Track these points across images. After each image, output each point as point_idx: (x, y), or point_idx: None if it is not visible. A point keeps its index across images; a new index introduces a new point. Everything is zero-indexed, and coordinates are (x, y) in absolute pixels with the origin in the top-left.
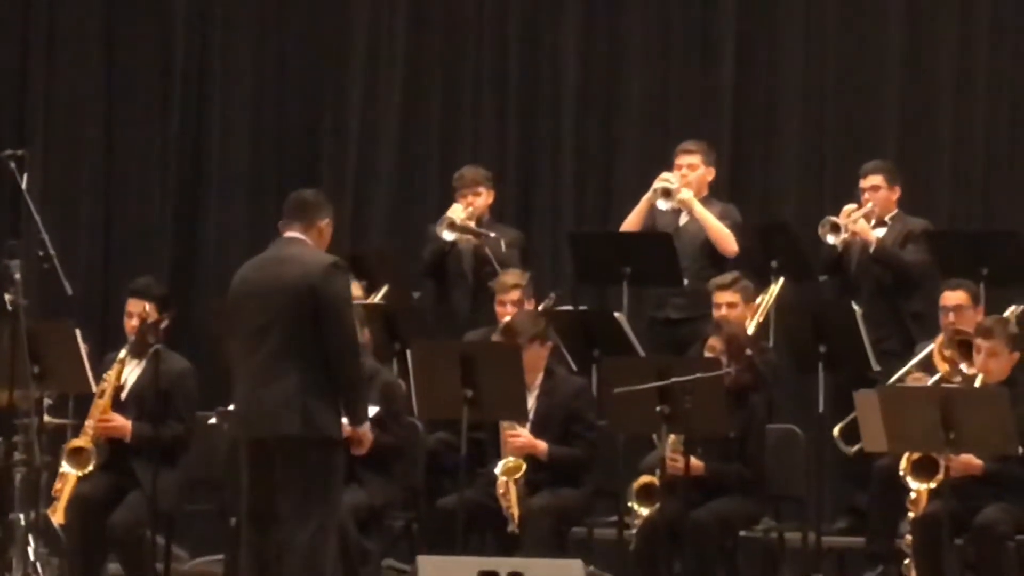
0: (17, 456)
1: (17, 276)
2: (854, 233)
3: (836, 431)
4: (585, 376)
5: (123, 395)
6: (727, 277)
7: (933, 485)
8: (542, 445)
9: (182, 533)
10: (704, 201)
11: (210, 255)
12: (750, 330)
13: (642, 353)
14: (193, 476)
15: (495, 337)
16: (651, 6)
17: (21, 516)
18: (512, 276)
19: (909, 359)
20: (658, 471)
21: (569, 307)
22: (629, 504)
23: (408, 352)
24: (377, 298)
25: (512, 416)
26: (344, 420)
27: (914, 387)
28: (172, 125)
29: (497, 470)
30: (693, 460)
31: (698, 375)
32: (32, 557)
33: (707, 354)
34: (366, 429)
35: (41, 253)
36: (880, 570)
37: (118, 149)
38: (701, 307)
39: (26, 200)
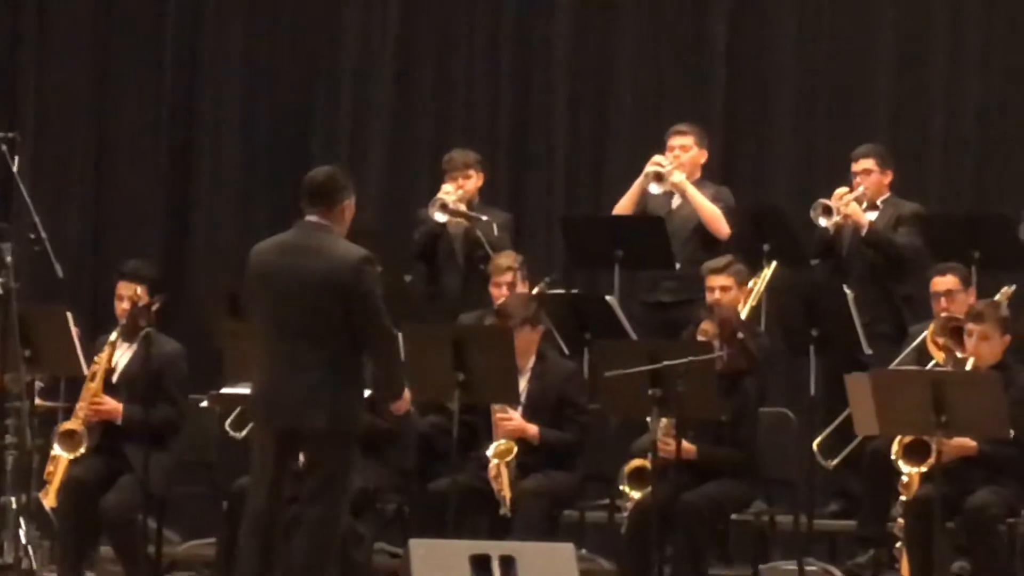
0: (8, 439)
1: (8, 259)
2: (846, 216)
3: (815, 445)
4: (577, 359)
5: (114, 378)
6: (720, 261)
7: (924, 469)
8: (533, 429)
9: (174, 516)
10: (697, 184)
11: (201, 238)
12: (743, 314)
13: (634, 337)
14: (185, 459)
15: (489, 320)
16: None
17: (12, 499)
18: (507, 258)
19: (901, 342)
20: (650, 455)
21: (561, 290)
22: (620, 487)
23: (400, 335)
24: None
25: (504, 399)
26: None
27: (905, 370)
28: (163, 108)
29: (489, 453)
30: (685, 443)
31: (690, 359)
32: (24, 540)
33: (699, 338)
34: (405, 397)
35: (32, 236)
36: (871, 553)
37: (109, 132)
38: (693, 290)
39: (17, 183)
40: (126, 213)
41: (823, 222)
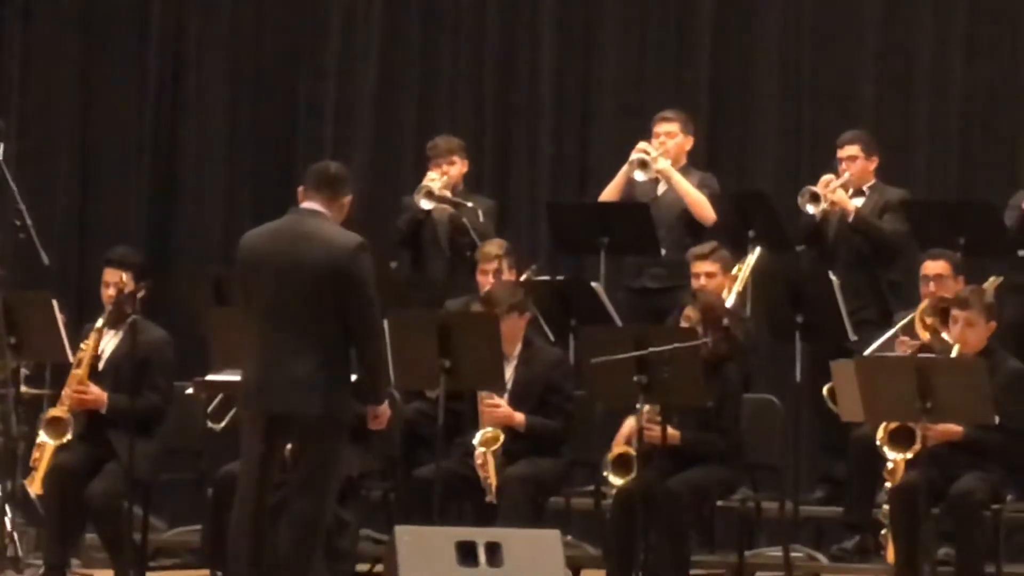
0: None
1: None
2: (833, 203)
3: (825, 390)
4: (562, 346)
5: (100, 365)
6: (706, 247)
7: (910, 455)
8: (519, 416)
9: (159, 503)
10: (683, 170)
11: (186, 226)
12: (729, 300)
13: (619, 323)
14: (170, 446)
15: (475, 307)
16: None
17: None
18: (494, 246)
19: (886, 328)
20: (634, 442)
21: (546, 277)
22: (605, 474)
23: (386, 321)
24: None
25: (490, 386)
26: None
27: (890, 357)
28: (148, 96)
29: (475, 441)
30: (669, 429)
31: (675, 345)
32: (9, 527)
33: (683, 324)
34: (385, 406)
35: (18, 223)
36: (857, 540)
37: (94, 119)
38: (678, 277)
39: (2, 170)
40: (111, 200)
41: (810, 209)
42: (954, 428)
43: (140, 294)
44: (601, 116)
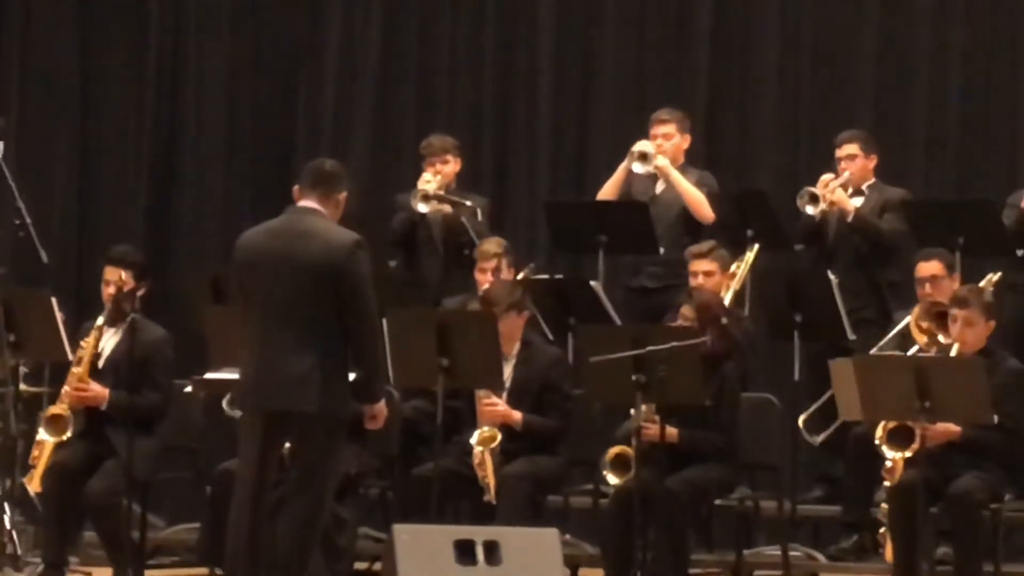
0: None
1: None
2: (832, 203)
3: (800, 421)
4: (561, 344)
5: (100, 363)
6: (704, 246)
7: (908, 454)
8: (516, 415)
9: (158, 501)
10: (680, 169)
11: (185, 224)
12: (727, 299)
13: (618, 321)
14: (169, 444)
15: (473, 305)
16: None
17: None
18: (493, 244)
19: (885, 328)
20: (633, 440)
21: (545, 276)
22: (604, 473)
23: (384, 320)
24: None
25: (488, 385)
26: None
27: (889, 356)
28: (147, 94)
29: (473, 441)
30: (667, 428)
31: (673, 344)
32: (8, 525)
33: (680, 322)
34: (381, 405)
35: (17, 221)
36: (855, 539)
37: (93, 117)
38: (676, 276)
39: (2, 168)
40: (111, 198)
41: (810, 210)
42: (953, 428)
43: (140, 293)
44: (600, 114)
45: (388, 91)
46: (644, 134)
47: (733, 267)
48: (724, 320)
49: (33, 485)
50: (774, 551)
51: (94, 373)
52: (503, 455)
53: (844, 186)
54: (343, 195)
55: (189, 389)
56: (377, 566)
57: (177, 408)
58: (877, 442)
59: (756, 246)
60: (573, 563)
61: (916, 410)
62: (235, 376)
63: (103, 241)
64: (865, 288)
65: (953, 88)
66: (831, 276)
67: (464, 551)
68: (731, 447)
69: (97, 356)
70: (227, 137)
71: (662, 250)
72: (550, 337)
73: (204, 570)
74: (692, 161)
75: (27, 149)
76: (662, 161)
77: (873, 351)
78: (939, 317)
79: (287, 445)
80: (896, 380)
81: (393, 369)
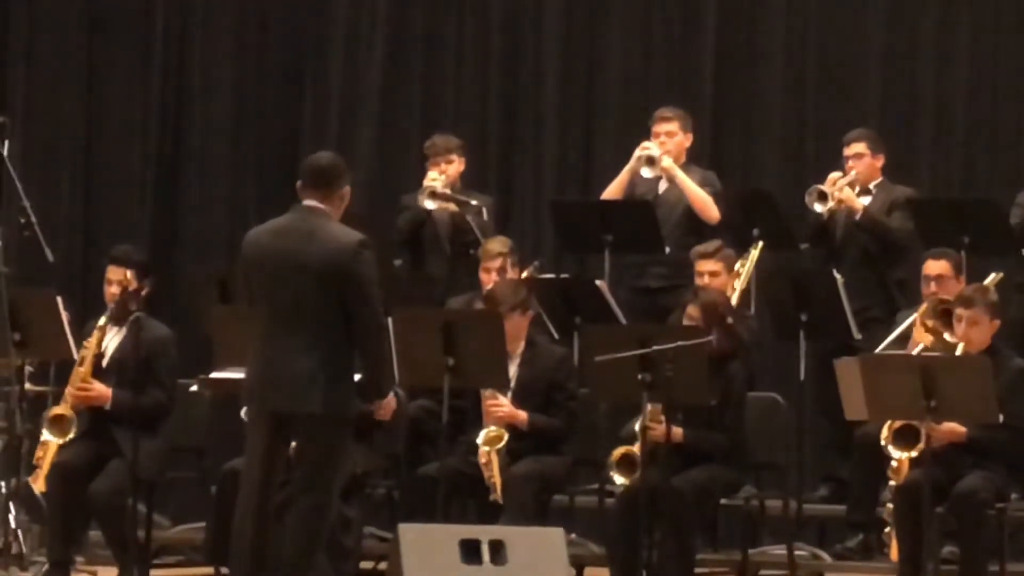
0: None
1: None
2: (840, 201)
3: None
4: (566, 344)
5: (104, 363)
6: (710, 246)
7: (914, 454)
8: (522, 415)
9: (163, 500)
10: (683, 168)
11: (191, 223)
12: (733, 298)
13: (623, 321)
14: (174, 444)
15: (478, 304)
16: None
17: (2, 484)
18: (498, 243)
19: (894, 327)
20: (638, 440)
21: (550, 275)
22: (610, 473)
23: (390, 320)
24: None
25: (493, 384)
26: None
27: (895, 355)
28: (153, 92)
29: (479, 441)
30: (673, 428)
31: (679, 343)
32: (13, 525)
33: (685, 322)
34: (389, 398)
35: (22, 220)
36: (861, 538)
37: (99, 116)
38: (681, 276)
39: (7, 167)
40: (116, 197)
41: (818, 208)
42: (958, 428)
43: (144, 291)
44: (606, 114)
45: (394, 90)
46: (649, 134)
47: (738, 266)
48: (730, 320)
49: (38, 485)
50: (780, 550)
51: (97, 372)
52: (509, 455)
53: (851, 185)
54: (346, 189)
55: (195, 388)
56: (383, 565)
57: (183, 408)
58: (883, 442)
59: (760, 244)
60: (579, 563)
61: (922, 409)
62: (241, 375)
63: (109, 240)
64: (873, 287)
65: (959, 88)
66: (837, 276)
67: (469, 551)
68: (737, 447)
69: (100, 355)
70: (233, 136)
71: (668, 250)
72: (555, 336)
73: (209, 570)
74: (698, 161)
75: (32, 148)
76: (667, 162)
77: (876, 351)
78: (945, 315)
79: (293, 445)
80: (902, 380)
81: (399, 368)
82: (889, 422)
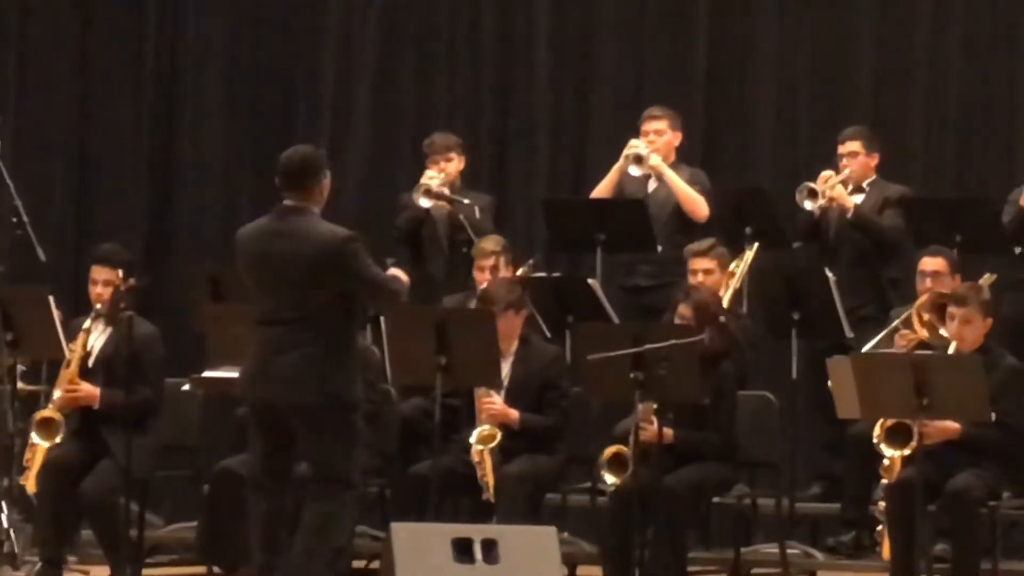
0: None
1: None
2: (831, 199)
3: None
4: (559, 343)
5: (90, 362)
6: (703, 244)
7: (907, 452)
8: (514, 413)
9: (155, 499)
10: (672, 166)
11: (183, 221)
12: (726, 297)
13: (616, 320)
14: (167, 442)
15: (472, 303)
16: None
17: None
18: (491, 242)
19: (887, 325)
20: (631, 439)
21: (543, 274)
22: (602, 473)
23: (382, 318)
24: None
25: (486, 383)
26: None
27: (887, 353)
28: (146, 91)
29: (472, 440)
30: (664, 428)
31: (672, 342)
32: (5, 524)
33: (677, 321)
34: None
35: (14, 219)
36: (853, 536)
37: (91, 115)
38: (671, 274)
39: None
40: (108, 196)
41: (808, 205)
42: (951, 425)
43: (130, 290)
44: (598, 113)
45: (386, 90)
46: (639, 132)
47: (732, 266)
48: (722, 318)
49: (29, 485)
50: (772, 549)
51: (84, 372)
52: (501, 453)
53: (845, 183)
54: (326, 181)
55: (187, 387)
56: (375, 564)
57: (175, 406)
58: (875, 440)
59: (756, 245)
60: (571, 562)
61: (914, 408)
62: (234, 374)
63: (101, 239)
64: (866, 285)
65: (951, 86)
66: (829, 274)
67: (462, 549)
68: (729, 445)
69: (87, 355)
70: (226, 134)
71: (660, 248)
72: (548, 335)
73: (202, 568)
74: (691, 160)
75: (25, 147)
76: (655, 160)
77: (865, 349)
78: (942, 309)
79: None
80: (894, 378)
81: (391, 367)
82: (881, 420)
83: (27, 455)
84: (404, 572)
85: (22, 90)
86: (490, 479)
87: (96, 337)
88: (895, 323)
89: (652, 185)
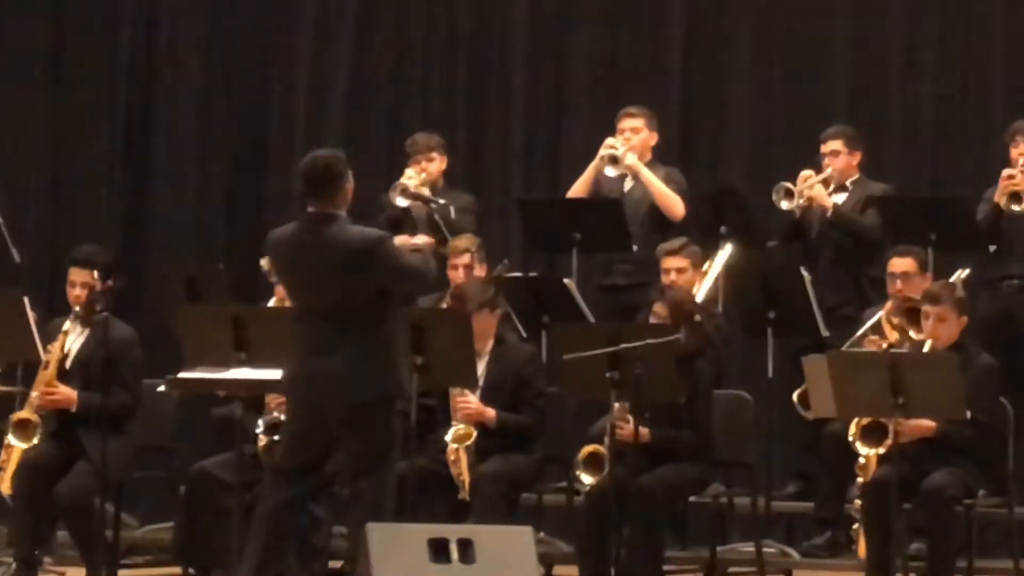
0: None
1: None
2: (809, 199)
3: (795, 396)
4: (535, 342)
5: (67, 364)
6: (675, 243)
7: (882, 450)
8: (490, 412)
9: (131, 500)
10: (648, 166)
11: (159, 223)
12: (700, 295)
13: (592, 319)
14: (143, 443)
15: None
16: None
17: None
18: (464, 240)
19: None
20: (606, 438)
21: (519, 274)
22: (577, 473)
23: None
24: None
25: (462, 383)
26: None
27: (863, 352)
28: (120, 91)
29: (447, 438)
30: (640, 428)
31: (647, 341)
32: None
33: (652, 320)
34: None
35: None
36: (829, 535)
37: (65, 116)
38: (648, 273)
39: None
40: (83, 198)
41: (785, 205)
42: (926, 424)
43: (106, 291)
44: (573, 113)
45: (361, 92)
46: (615, 131)
47: (706, 265)
48: (697, 317)
49: (3, 487)
50: (748, 548)
51: (61, 374)
52: (477, 453)
53: (827, 182)
54: (349, 184)
55: (163, 388)
56: None
57: (151, 407)
58: (851, 438)
59: (729, 245)
60: (547, 561)
61: (890, 406)
62: (209, 375)
63: (76, 240)
64: (848, 284)
65: (927, 85)
66: (805, 273)
67: (438, 549)
68: (705, 444)
69: (64, 357)
70: (201, 137)
71: (635, 247)
72: (523, 335)
73: (178, 569)
74: (667, 159)
75: None
76: (631, 159)
77: (845, 346)
78: (910, 313)
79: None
80: (870, 376)
81: None
82: (857, 419)
83: (3, 456)
84: (380, 572)
85: None
86: (466, 478)
87: (74, 339)
88: (863, 329)
89: (628, 184)
